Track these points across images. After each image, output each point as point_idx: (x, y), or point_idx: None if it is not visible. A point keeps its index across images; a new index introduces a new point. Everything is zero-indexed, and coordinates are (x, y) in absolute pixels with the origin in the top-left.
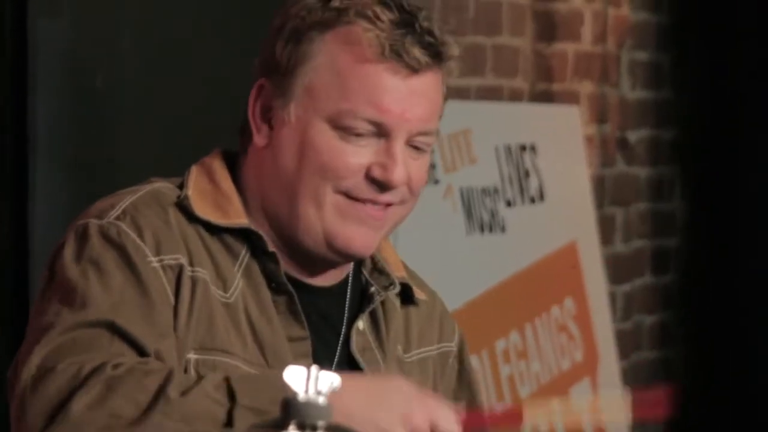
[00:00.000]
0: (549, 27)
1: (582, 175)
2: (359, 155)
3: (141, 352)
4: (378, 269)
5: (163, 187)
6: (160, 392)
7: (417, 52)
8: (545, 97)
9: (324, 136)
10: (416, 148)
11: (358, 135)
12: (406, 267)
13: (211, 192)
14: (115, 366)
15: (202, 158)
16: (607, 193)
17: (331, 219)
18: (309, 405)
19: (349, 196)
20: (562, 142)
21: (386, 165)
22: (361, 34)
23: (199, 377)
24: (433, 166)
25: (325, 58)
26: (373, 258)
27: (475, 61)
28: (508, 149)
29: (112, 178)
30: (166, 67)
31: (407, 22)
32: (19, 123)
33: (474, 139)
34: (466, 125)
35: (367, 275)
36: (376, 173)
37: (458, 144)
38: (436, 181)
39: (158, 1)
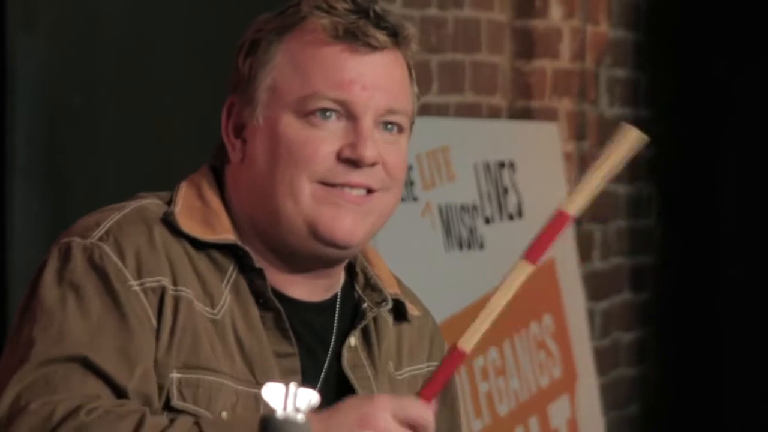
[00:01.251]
0: (527, 44)
1: (560, 192)
2: (329, 141)
3: (115, 388)
4: (371, 285)
5: (151, 203)
6: None
7: (373, 31)
8: (524, 114)
9: (292, 128)
10: (387, 128)
11: (325, 118)
12: (400, 283)
13: (200, 208)
14: (89, 411)
15: (191, 175)
16: (585, 210)
17: (309, 208)
18: (287, 422)
19: (324, 183)
20: (541, 159)
21: (355, 143)
22: (316, 23)
23: (171, 421)
24: (411, 183)
25: (285, 56)
26: (366, 274)
27: (454, 78)
28: (487, 166)
29: (91, 195)
30: (144, 83)
31: (361, 9)
32: None
33: (452, 156)
34: (444, 142)
35: (359, 291)
36: (347, 153)
37: (437, 161)
38: (415, 199)
39: (135, 17)
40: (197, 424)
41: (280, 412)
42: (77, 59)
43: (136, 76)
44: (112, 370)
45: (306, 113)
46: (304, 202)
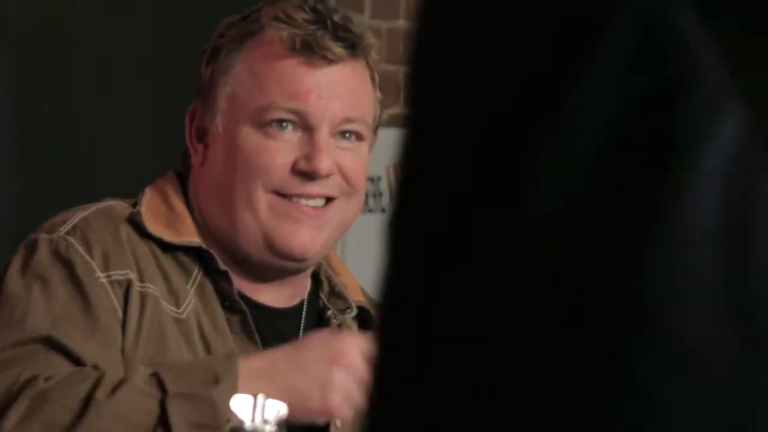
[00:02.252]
0: None
1: None
2: (284, 151)
3: (78, 364)
4: (336, 293)
5: (117, 204)
6: (90, 396)
7: (330, 44)
8: None
9: (249, 138)
10: (345, 136)
11: (282, 129)
12: (365, 292)
13: (164, 212)
14: (47, 378)
15: (156, 180)
16: None
17: (267, 220)
18: None
19: (280, 194)
20: None
21: (310, 155)
22: (273, 34)
23: (128, 376)
24: (380, 195)
25: (243, 65)
26: (330, 282)
27: None
28: None
29: (60, 202)
30: (113, 94)
31: (320, 19)
32: None
33: None
34: None
35: (324, 299)
36: (302, 165)
37: None
38: (383, 210)
39: (105, 27)
40: (155, 372)
41: (248, 424)
42: (47, 70)
43: (104, 87)
44: (77, 347)
45: (263, 124)
46: (262, 213)
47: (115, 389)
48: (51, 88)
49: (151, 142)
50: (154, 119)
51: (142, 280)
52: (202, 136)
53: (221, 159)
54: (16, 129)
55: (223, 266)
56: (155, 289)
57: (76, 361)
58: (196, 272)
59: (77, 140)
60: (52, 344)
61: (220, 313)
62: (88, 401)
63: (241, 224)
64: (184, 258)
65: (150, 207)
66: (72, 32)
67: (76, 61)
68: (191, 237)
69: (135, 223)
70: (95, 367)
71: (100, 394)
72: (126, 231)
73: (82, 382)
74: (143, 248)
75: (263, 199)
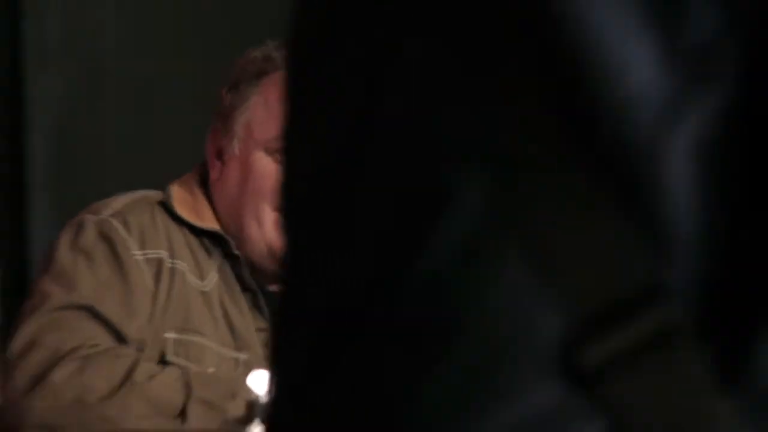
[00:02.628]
0: None
1: None
2: None
3: (116, 334)
4: None
5: (152, 192)
6: (129, 375)
7: None
8: None
9: (261, 162)
10: None
11: None
12: None
13: (190, 201)
14: (92, 347)
15: (183, 175)
16: None
17: (271, 232)
18: None
19: None
20: None
21: None
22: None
23: (162, 368)
24: None
25: (259, 98)
26: None
27: None
28: None
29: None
30: (142, 113)
31: None
32: (16, 165)
33: None
34: None
35: None
36: None
37: None
38: None
39: (137, 53)
40: (185, 373)
41: (264, 396)
42: (85, 94)
43: (137, 107)
44: (115, 318)
45: (274, 150)
46: (267, 226)
47: (151, 377)
48: (89, 110)
49: (180, 159)
50: (183, 138)
51: (172, 257)
52: (219, 154)
53: (235, 178)
54: (60, 144)
55: (236, 251)
56: (184, 265)
57: (114, 330)
58: (217, 255)
59: (111, 154)
60: (95, 314)
61: (238, 291)
62: (125, 379)
63: (247, 233)
64: (207, 242)
65: (177, 196)
66: (106, 60)
67: (111, 86)
68: (212, 224)
69: (167, 208)
70: (131, 337)
71: (140, 376)
72: (161, 215)
73: (121, 358)
74: (175, 229)
75: (270, 216)
